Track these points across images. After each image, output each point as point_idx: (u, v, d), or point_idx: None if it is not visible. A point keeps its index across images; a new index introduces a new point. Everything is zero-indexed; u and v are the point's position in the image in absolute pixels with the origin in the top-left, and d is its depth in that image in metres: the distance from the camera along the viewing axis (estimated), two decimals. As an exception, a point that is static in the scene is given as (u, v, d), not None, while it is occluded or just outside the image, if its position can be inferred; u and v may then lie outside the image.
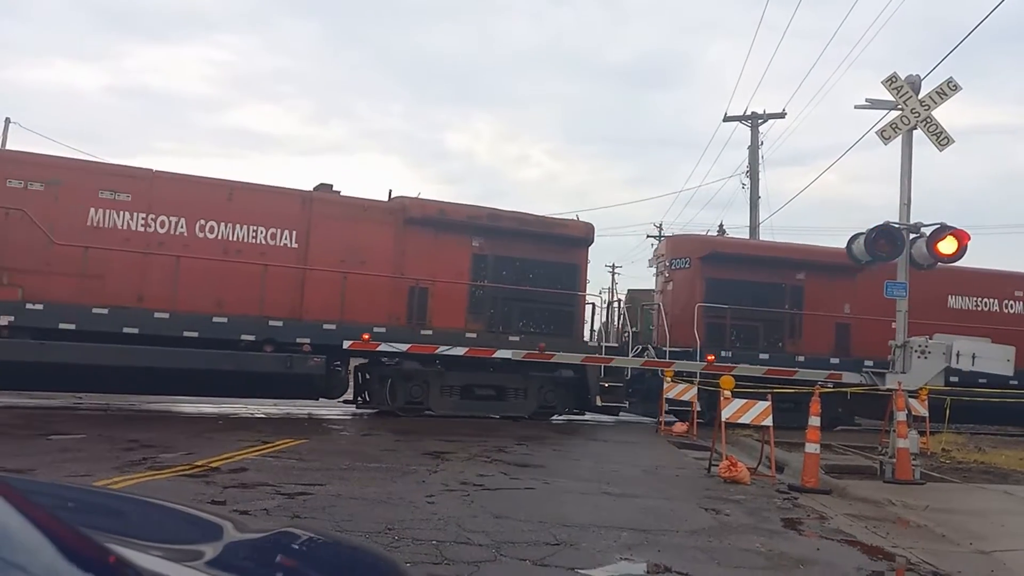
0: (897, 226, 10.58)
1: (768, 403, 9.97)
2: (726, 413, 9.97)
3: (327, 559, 1.84)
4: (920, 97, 10.60)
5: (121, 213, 13.02)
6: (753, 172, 27.68)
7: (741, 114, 27.78)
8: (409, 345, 14.54)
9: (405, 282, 14.67)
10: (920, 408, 12.15)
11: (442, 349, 14.71)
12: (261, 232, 13.83)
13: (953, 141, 10.65)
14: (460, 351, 14.78)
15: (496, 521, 6.22)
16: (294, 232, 14.04)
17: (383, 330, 14.42)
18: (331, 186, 15.17)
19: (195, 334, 13.08)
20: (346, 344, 14.10)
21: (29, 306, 12.20)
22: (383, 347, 14.37)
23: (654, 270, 19.33)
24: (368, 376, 15.26)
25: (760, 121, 27.63)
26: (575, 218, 16.92)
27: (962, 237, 10.38)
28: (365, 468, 8.67)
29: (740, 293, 17.00)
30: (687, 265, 17.70)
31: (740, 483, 8.93)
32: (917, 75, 10.88)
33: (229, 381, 13.69)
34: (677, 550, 5.66)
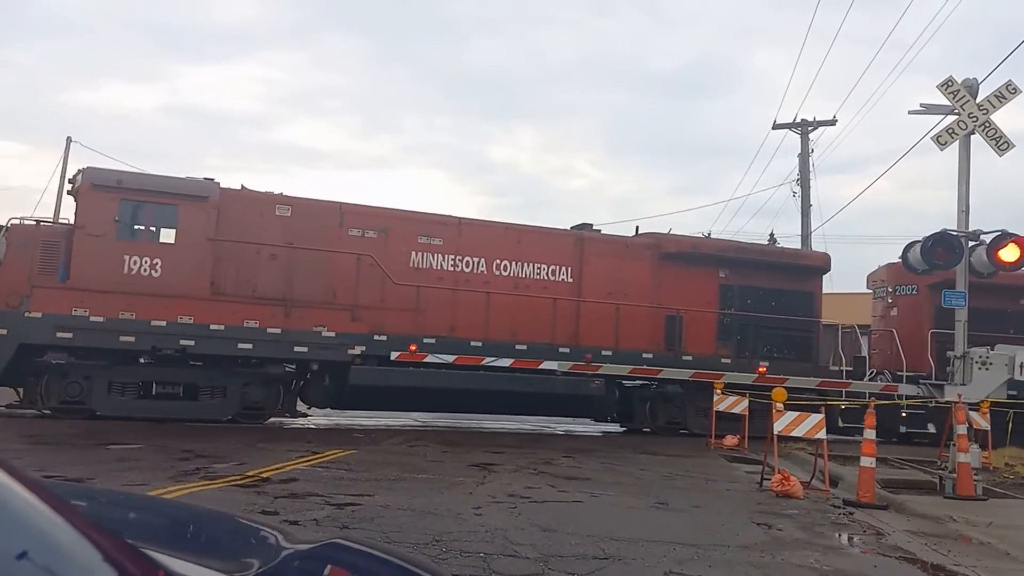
0: (955, 233, 10.30)
1: (821, 415, 9.75)
2: (778, 426, 9.78)
3: (375, 571, 1.84)
4: (978, 101, 10.33)
5: (436, 255, 15.12)
6: (804, 180, 27.22)
7: (790, 121, 27.38)
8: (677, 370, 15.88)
9: (662, 311, 16.08)
10: (982, 421, 11.77)
11: (668, 373, 15.84)
12: (543, 269, 15.78)
13: (1013, 146, 10.35)
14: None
15: (544, 534, 6.18)
16: (569, 268, 15.88)
17: (651, 356, 15.85)
18: (591, 225, 17.11)
19: (508, 361, 14.84)
20: (627, 370, 15.56)
21: (376, 337, 14.27)
22: (665, 374, 15.71)
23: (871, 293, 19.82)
24: (631, 398, 16.35)
25: (810, 128, 27.20)
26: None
27: (1024, 244, 10.06)
28: (413, 479, 8.70)
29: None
30: (915, 292, 18.11)
31: (793, 497, 8.74)
32: (975, 78, 10.60)
33: (525, 401, 15.30)
34: (728, 566, 5.55)
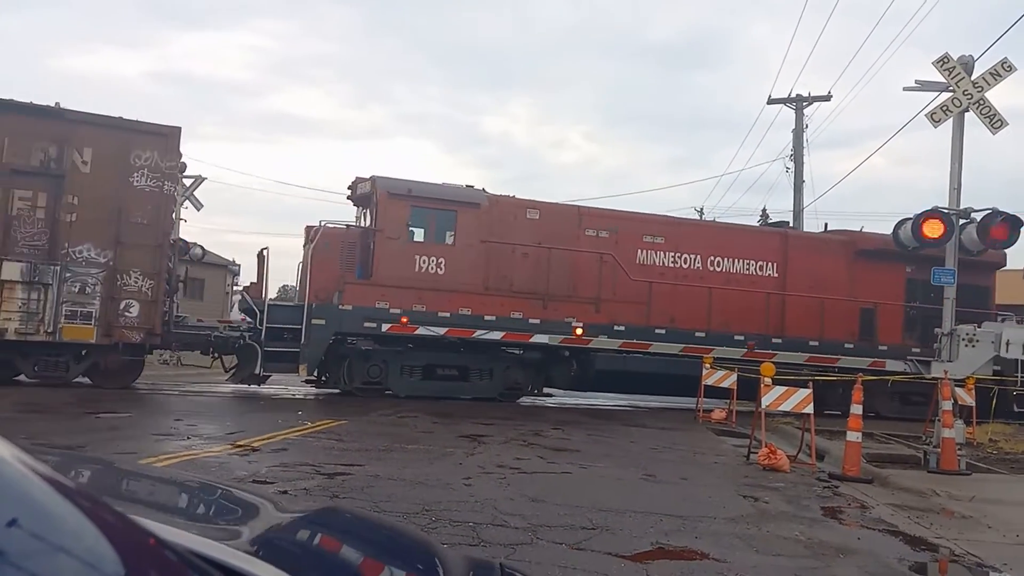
0: (946, 211, 10.33)
1: (809, 391, 9.83)
2: (766, 400, 9.86)
3: (365, 539, 1.86)
4: (973, 78, 10.29)
5: (658, 252, 16.64)
6: (797, 155, 27.18)
7: (785, 96, 27.27)
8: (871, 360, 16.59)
9: (857, 304, 17.08)
10: (967, 397, 11.89)
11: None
12: (752, 264, 17.08)
13: (1007, 124, 10.34)
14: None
15: (532, 504, 6.24)
16: (775, 264, 17.14)
17: (851, 346, 16.92)
18: (787, 223, 18.79)
19: (740, 352, 16.02)
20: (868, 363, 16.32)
21: (615, 327, 15.91)
22: (890, 366, 16.36)
23: None
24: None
25: (805, 103, 27.09)
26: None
27: (1015, 223, 10.09)
28: (403, 450, 8.76)
29: None
30: None
31: (779, 471, 8.84)
32: (970, 55, 10.57)
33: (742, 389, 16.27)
34: (715, 537, 5.62)
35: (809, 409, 9.80)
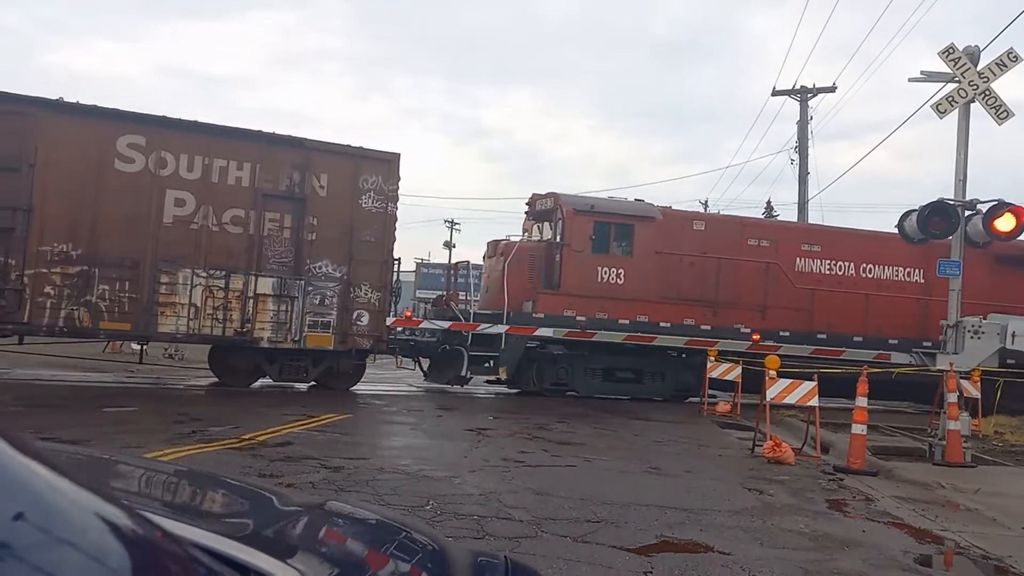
0: (952, 203, 10.28)
1: (814, 383, 9.82)
2: (771, 393, 9.85)
3: (370, 533, 1.86)
4: (979, 69, 10.23)
5: (815, 260, 17.41)
6: (802, 147, 27.09)
7: (790, 88, 27.16)
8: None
9: (993, 309, 17.08)
10: (972, 390, 11.86)
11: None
12: (900, 271, 17.78)
13: (1013, 115, 10.27)
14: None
15: (537, 498, 6.25)
16: (920, 270, 17.53)
17: None
18: None
19: (906, 358, 16.45)
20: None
21: (781, 333, 16.75)
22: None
23: None
24: None
25: (809, 95, 26.98)
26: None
27: (1021, 214, 10.05)
28: (408, 443, 8.78)
29: None
30: None
31: (784, 464, 8.83)
32: (976, 46, 10.49)
33: (906, 391, 16.84)
34: (719, 530, 5.63)
35: (814, 402, 9.80)
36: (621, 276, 16.29)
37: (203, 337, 13.67)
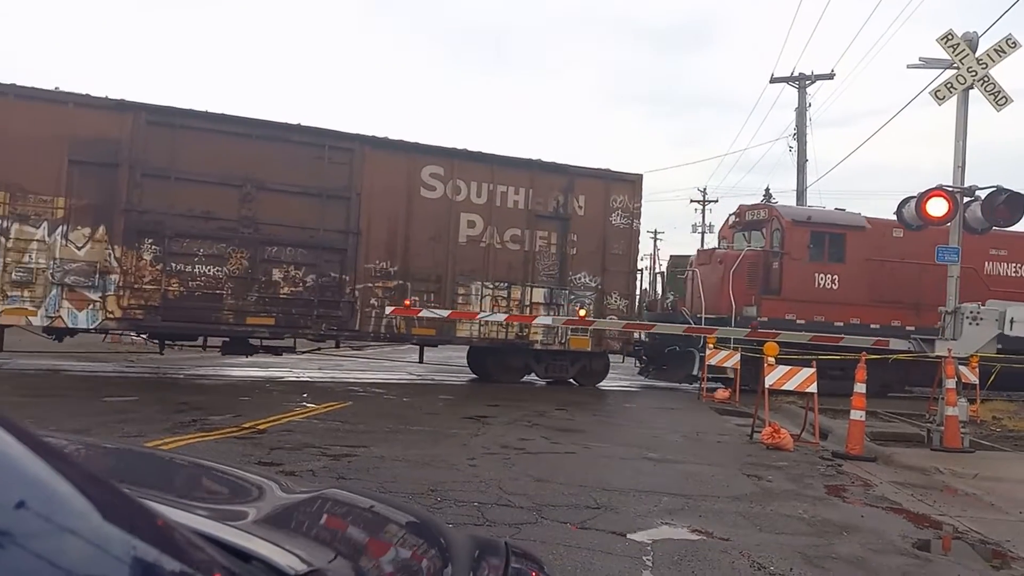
0: (951, 189, 10.27)
1: (812, 370, 9.84)
2: (769, 379, 9.87)
3: (371, 520, 1.87)
4: (977, 55, 10.19)
5: (1002, 264, 18.35)
6: (800, 135, 27.06)
7: (788, 75, 27.09)
8: None
9: None
10: (970, 375, 11.89)
11: None
12: None
13: (1012, 101, 10.23)
14: None
15: (537, 484, 6.28)
16: None
17: None
18: None
19: None
20: None
21: None
22: None
23: None
24: None
25: (808, 82, 26.93)
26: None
27: (1021, 201, 10.03)
28: (408, 431, 8.80)
29: None
30: None
31: (783, 450, 8.87)
32: (975, 32, 10.44)
33: None
34: (718, 515, 5.65)
35: (813, 388, 9.82)
36: (835, 282, 17.44)
37: (490, 340, 15.46)
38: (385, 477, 6.24)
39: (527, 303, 15.62)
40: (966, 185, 10.42)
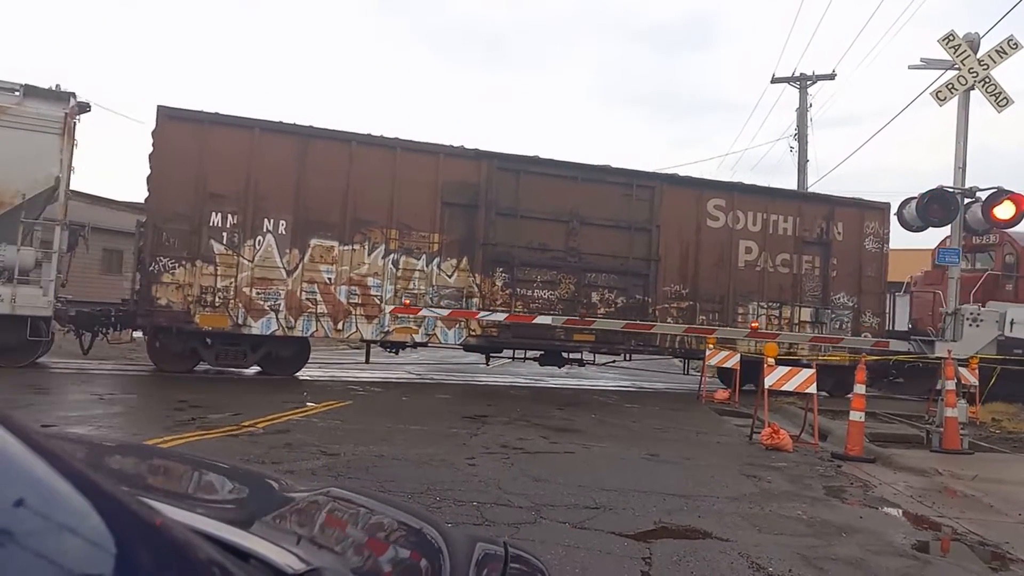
0: (951, 190, 10.27)
1: (812, 371, 9.83)
2: (769, 380, 9.87)
3: (369, 519, 1.86)
4: (979, 56, 10.20)
5: None
6: (801, 135, 27.03)
7: (789, 75, 27.07)
8: None
9: None
10: (970, 377, 11.89)
11: None
12: None
13: (1012, 102, 10.24)
14: None
15: (536, 484, 6.27)
16: None
17: None
18: None
19: None
20: None
21: None
22: None
23: None
24: None
25: (809, 83, 26.90)
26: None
27: (1020, 202, 10.04)
28: (407, 430, 8.79)
29: None
30: None
31: (782, 450, 8.86)
32: (976, 33, 10.45)
33: None
34: (717, 516, 5.65)
35: (812, 389, 9.82)
36: None
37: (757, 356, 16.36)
38: (384, 476, 6.23)
39: (796, 321, 17.00)
40: (967, 186, 10.43)
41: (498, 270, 15.35)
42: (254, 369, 14.48)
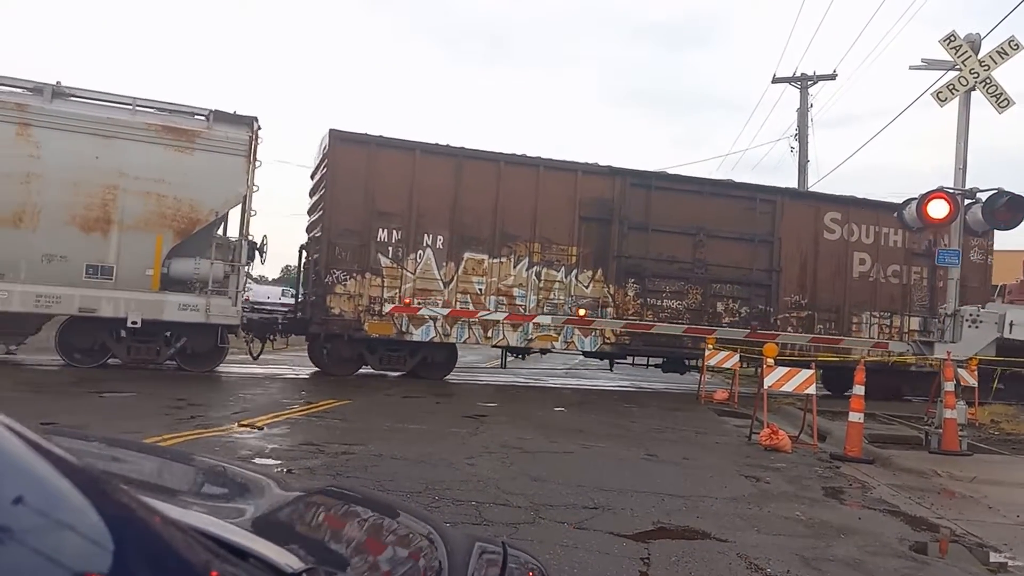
0: (952, 191, 10.26)
1: (812, 371, 9.83)
2: (768, 381, 9.87)
3: (368, 518, 1.87)
4: (980, 57, 10.19)
5: None
6: (802, 135, 27.02)
7: (790, 75, 27.06)
8: None
9: None
10: (969, 378, 11.89)
11: None
12: None
13: (1014, 103, 10.23)
14: None
15: (535, 484, 6.27)
16: None
17: None
18: None
19: None
20: None
21: None
22: None
23: None
24: None
25: (810, 83, 26.89)
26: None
27: (1021, 203, 10.02)
28: (406, 429, 8.79)
29: None
30: None
31: (781, 451, 8.87)
32: (977, 33, 10.43)
33: None
34: (716, 516, 5.65)
35: (811, 390, 9.81)
36: None
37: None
38: (383, 475, 6.24)
39: (905, 330, 17.45)
40: (967, 187, 10.42)
41: (630, 280, 16.12)
42: (366, 369, 15.24)
